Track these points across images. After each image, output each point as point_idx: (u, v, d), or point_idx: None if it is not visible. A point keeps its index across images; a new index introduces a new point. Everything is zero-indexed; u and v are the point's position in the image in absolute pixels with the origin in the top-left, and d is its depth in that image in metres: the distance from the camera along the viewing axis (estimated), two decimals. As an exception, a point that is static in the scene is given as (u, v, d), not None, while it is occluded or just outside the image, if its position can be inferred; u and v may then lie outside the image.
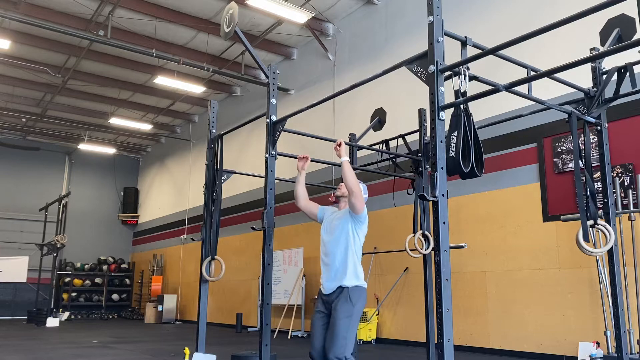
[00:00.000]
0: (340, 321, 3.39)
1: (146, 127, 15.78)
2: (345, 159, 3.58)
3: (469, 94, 2.87)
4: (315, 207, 3.86)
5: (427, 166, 4.76)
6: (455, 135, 2.82)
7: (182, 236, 15.50)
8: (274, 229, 4.07)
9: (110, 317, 16.67)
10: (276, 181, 4.24)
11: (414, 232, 4.89)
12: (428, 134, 4.66)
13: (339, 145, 3.65)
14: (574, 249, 5.79)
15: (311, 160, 3.99)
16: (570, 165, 6.29)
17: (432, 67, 2.79)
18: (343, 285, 3.49)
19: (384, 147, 5.67)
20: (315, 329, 3.54)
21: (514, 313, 6.68)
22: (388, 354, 7.25)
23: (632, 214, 5.52)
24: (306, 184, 4.00)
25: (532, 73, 3.45)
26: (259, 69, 5.19)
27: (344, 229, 3.57)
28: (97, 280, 17.70)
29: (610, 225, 3.51)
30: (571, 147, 6.30)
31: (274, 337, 9.60)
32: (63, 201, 13.62)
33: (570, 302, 6.13)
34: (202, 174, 5.85)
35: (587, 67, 3.68)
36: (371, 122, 5.87)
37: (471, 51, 3.04)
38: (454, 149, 2.78)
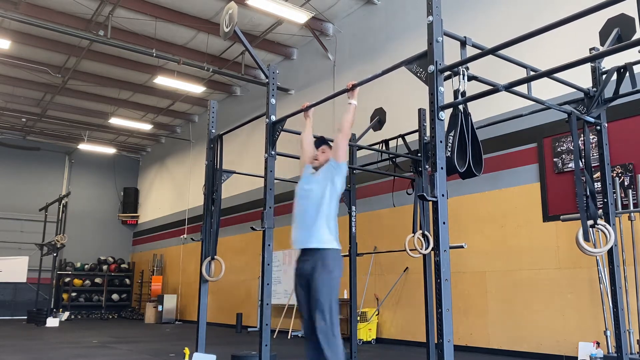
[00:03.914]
0: (321, 292, 3.38)
1: (146, 127, 15.79)
2: (354, 102, 3.68)
3: (468, 94, 2.87)
4: (309, 159, 3.83)
5: (427, 166, 4.76)
6: (452, 135, 2.82)
7: (182, 236, 15.50)
8: (273, 229, 4.07)
9: (110, 317, 16.66)
10: (276, 181, 4.24)
11: (414, 232, 4.90)
12: (428, 134, 4.66)
13: (352, 87, 3.70)
14: (574, 249, 5.79)
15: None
16: (570, 165, 6.29)
17: (431, 67, 2.79)
18: (318, 247, 3.47)
19: (384, 147, 5.67)
20: (300, 304, 3.62)
21: (514, 313, 6.68)
22: (388, 354, 7.25)
23: (632, 214, 5.52)
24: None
25: (532, 73, 3.45)
26: (259, 69, 5.20)
27: (320, 183, 3.61)
28: (97, 280, 17.69)
29: (610, 225, 3.51)
30: (571, 147, 6.30)
31: (274, 337, 9.59)
32: (63, 201, 13.62)
33: (570, 302, 6.12)
34: (202, 174, 5.85)
35: (587, 67, 3.68)
36: (371, 122, 5.88)
37: (471, 51, 3.04)
38: (449, 149, 2.78)
